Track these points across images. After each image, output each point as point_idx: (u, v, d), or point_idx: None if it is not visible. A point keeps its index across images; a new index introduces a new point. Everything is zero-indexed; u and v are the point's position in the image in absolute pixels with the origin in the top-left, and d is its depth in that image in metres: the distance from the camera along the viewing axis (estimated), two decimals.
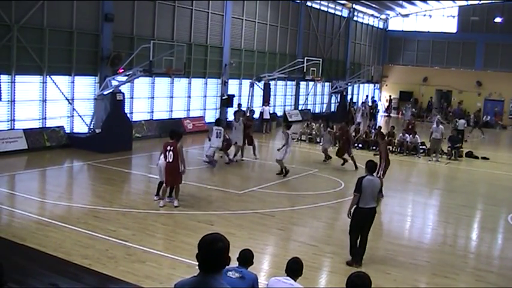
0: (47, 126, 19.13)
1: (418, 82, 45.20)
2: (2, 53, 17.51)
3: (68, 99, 19.89)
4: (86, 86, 20.58)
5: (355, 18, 42.20)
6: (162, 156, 12.07)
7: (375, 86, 46.29)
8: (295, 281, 5.69)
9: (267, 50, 31.52)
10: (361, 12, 42.93)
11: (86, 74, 20.51)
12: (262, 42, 31.09)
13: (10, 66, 17.77)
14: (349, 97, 40.67)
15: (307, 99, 37.13)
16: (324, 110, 38.97)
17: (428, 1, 43.34)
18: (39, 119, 19.04)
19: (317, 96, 38.93)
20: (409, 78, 45.57)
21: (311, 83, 36.04)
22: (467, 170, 21.08)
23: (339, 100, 38.15)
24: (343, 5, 39.62)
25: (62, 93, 19.63)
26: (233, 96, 27.74)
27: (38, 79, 18.86)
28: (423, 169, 21.07)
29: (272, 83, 30.77)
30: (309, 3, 35.26)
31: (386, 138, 18.06)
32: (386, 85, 47.20)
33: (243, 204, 12.94)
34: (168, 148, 11.84)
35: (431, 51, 45.81)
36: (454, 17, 44.88)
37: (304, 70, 30.29)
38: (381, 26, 47.64)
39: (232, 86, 28.94)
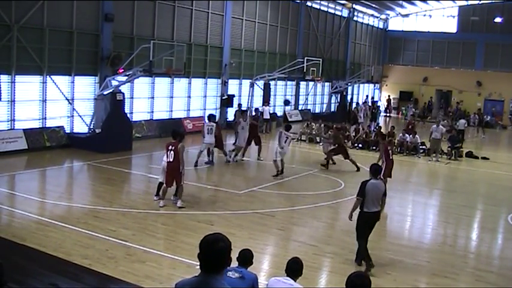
0: (47, 126, 19.13)
1: (418, 82, 45.20)
2: (2, 53, 17.50)
3: (68, 99, 19.88)
4: (86, 86, 20.58)
5: (355, 18, 42.16)
6: (165, 156, 12.14)
7: (375, 86, 46.24)
8: (295, 281, 5.69)
9: (267, 50, 31.51)
10: (361, 12, 42.90)
11: (86, 74, 20.51)
12: (262, 42, 31.09)
13: (10, 66, 17.76)
14: (349, 97, 40.66)
15: (307, 99, 37.14)
16: (324, 110, 38.97)
17: (428, 1, 43.31)
18: (39, 119, 19.03)
19: (317, 96, 38.93)
20: (409, 78, 45.56)
21: (311, 83, 36.03)
22: (467, 170, 21.09)
23: (339, 100, 38.16)
24: (343, 5, 39.60)
25: (62, 93, 19.63)
26: (233, 96, 27.78)
27: (38, 79, 18.86)
28: (423, 169, 21.08)
29: (272, 83, 30.78)
30: (309, 3, 35.24)
31: (387, 138, 18.03)
32: (386, 85, 47.17)
33: (243, 204, 12.95)
34: (170, 148, 11.92)
35: (431, 51, 45.77)
36: (454, 17, 44.86)
37: (304, 70, 30.28)
38: (380, 26, 47.61)
39: (232, 86, 28.95)
